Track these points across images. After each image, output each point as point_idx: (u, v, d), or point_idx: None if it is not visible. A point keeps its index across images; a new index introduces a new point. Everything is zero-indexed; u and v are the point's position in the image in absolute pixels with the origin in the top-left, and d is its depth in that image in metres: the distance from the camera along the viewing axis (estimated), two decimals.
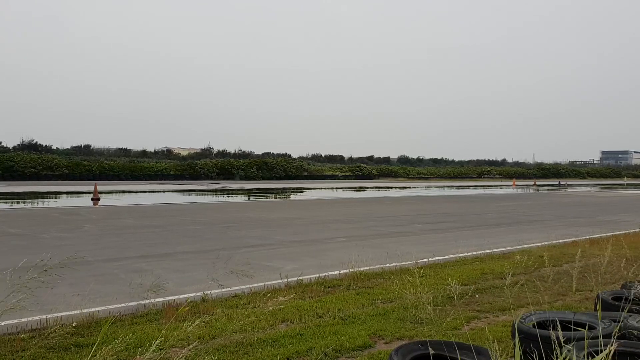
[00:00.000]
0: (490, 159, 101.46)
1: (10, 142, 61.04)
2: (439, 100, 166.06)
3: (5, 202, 23.51)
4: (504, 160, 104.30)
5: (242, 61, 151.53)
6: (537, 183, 59.93)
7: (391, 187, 45.73)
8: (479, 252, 10.50)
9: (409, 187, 46.51)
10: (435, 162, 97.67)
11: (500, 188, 49.16)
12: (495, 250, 10.96)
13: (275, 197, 31.67)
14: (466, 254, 10.15)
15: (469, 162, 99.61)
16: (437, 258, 9.81)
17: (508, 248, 11.17)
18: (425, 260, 9.50)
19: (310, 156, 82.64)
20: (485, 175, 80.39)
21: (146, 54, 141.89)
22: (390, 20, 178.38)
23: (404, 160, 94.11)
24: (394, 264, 8.88)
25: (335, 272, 8.18)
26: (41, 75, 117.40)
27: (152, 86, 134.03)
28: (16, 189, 32.50)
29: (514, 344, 3.82)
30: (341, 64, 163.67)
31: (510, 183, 60.35)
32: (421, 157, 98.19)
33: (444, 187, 49.50)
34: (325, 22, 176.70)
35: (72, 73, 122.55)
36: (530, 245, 11.47)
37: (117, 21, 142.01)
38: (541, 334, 3.50)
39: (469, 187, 50.62)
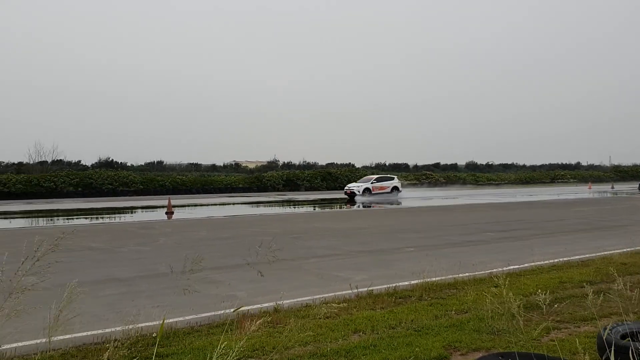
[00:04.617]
0: (563, 163, 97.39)
1: (88, 161, 64.43)
2: (508, 105, 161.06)
3: (86, 218, 24.78)
4: (578, 163, 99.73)
5: (302, 76, 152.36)
6: (615, 186, 57.01)
7: (460, 195, 44.79)
8: (556, 260, 10.10)
9: (479, 194, 45.38)
10: (505, 167, 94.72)
11: (576, 193, 47.13)
12: (573, 257, 10.50)
13: (341, 207, 31.72)
14: (542, 262, 9.79)
15: (541, 166, 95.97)
16: (511, 267, 9.52)
17: (587, 255, 10.68)
18: (499, 269, 9.23)
19: (374, 165, 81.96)
20: (559, 180, 77.34)
21: (196, 77, 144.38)
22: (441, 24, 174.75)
23: (472, 167, 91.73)
24: (466, 274, 8.69)
25: (406, 283, 8.09)
26: (110, 98, 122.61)
27: (219, 105, 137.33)
28: (95, 205, 34.19)
29: (600, 357, 3.65)
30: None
31: (586, 187, 57.73)
32: (490, 163, 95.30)
33: (515, 193, 47.99)
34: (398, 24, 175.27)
35: (144, 97, 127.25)
36: (611, 252, 10.92)
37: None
38: (633, 347, 3.32)
39: (542, 192, 48.83)
